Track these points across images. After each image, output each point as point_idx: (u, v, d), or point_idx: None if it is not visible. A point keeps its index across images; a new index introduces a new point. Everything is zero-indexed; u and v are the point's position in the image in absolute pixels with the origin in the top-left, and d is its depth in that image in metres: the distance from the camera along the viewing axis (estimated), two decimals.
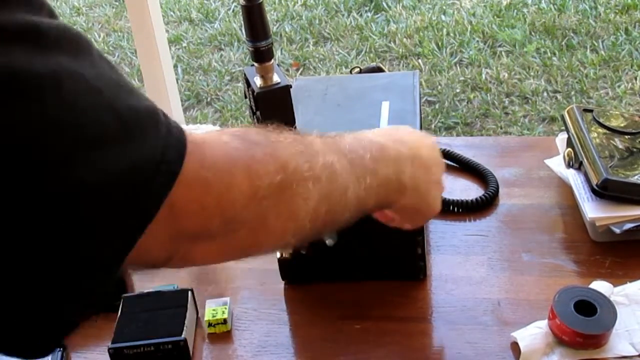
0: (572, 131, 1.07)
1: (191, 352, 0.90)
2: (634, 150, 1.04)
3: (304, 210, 0.60)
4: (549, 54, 3.00)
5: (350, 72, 1.21)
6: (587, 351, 0.84)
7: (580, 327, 0.83)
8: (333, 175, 0.63)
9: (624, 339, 0.85)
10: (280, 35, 3.34)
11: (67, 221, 0.44)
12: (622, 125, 1.09)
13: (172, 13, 3.62)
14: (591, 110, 1.11)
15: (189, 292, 0.94)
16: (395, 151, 0.72)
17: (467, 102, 2.81)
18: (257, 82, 0.86)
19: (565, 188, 1.08)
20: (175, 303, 0.93)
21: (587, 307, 0.85)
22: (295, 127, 0.89)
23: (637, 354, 0.83)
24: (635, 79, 2.81)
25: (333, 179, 0.63)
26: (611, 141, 1.05)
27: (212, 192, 0.52)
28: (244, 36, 0.83)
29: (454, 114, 2.75)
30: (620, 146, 1.05)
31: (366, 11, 3.45)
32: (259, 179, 0.56)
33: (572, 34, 3.12)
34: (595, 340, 0.83)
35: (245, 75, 0.88)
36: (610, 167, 0.99)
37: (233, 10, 3.59)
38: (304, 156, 0.61)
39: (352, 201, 0.65)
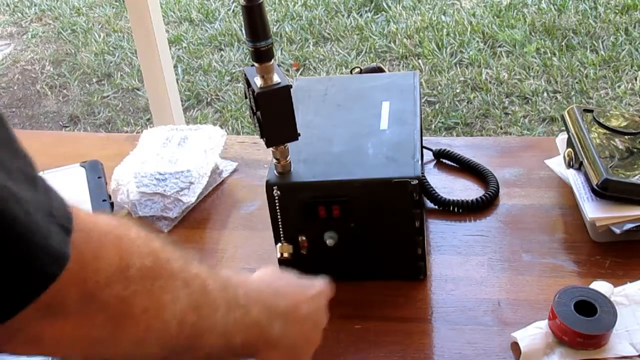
0: (572, 131, 1.07)
1: None
2: (634, 150, 1.04)
3: (171, 311, 0.55)
4: (549, 54, 3.00)
5: (351, 72, 1.21)
6: (587, 351, 0.84)
7: (581, 328, 0.83)
8: (204, 288, 0.59)
9: (624, 339, 0.85)
10: (281, 35, 3.34)
11: None
12: (622, 125, 1.09)
13: (172, 13, 3.62)
14: (591, 111, 1.11)
15: None
16: (270, 302, 0.68)
17: (467, 103, 2.81)
18: (258, 82, 0.86)
19: (566, 188, 1.08)
20: None
21: (588, 307, 0.85)
22: (295, 127, 0.89)
23: (637, 354, 0.83)
24: (635, 79, 2.81)
25: (204, 293, 0.59)
26: (611, 141, 1.05)
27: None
28: (244, 36, 0.83)
29: (454, 114, 2.75)
30: (621, 146, 1.05)
31: (366, 11, 3.45)
32: (130, 257, 0.52)
33: (572, 34, 3.12)
34: (595, 341, 0.83)
35: (245, 75, 0.88)
36: (610, 167, 0.99)
37: (233, 11, 3.59)
38: (178, 254, 0.57)
39: (220, 327, 0.60)
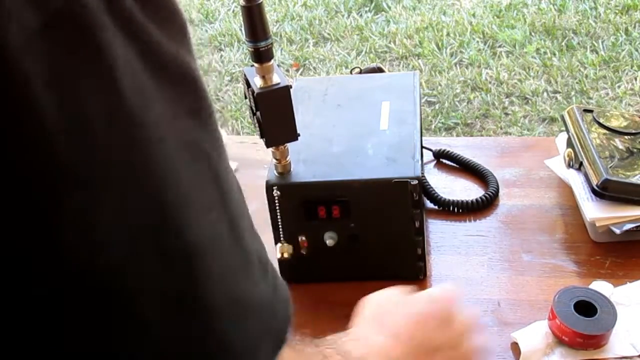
0: (572, 131, 1.07)
1: None
2: (634, 150, 1.04)
3: None
4: (549, 55, 3.00)
5: (351, 72, 1.21)
6: (587, 351, 0.84)
7: (581, 328, 0.83)
8: None
9: (624, 339, 0.85)
10: (281, 35, 3.34)
11: None
12: (622, 125, 1.09)
13: None
14: (591, 111, 1.11)
15: None
16: None
17: (467, 103, 2.81)
18: (257, 82, 0.86)
19: (566, 188, 1.08)
20: None
21: (587, 307, 0.85)
22: (295, 128, 0.89)
23: (637, 354, 0.83)
24: (635, 79, 2.81)
25: None
26: (611, 141, 1.05)
27: None
28: (244, 36, 0.83)
29: (454, 114, 2.75)
30: (621, 146, 1.05)
31: (366, 12, 3.45)
32: None
33: (572, 35, 3.12)
34: (595, 341, 0.83)
35: (245, 75, 0.88)
36: (610, 167, 0.99)
37: (233, 11, 3.59)
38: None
39: None
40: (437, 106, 2.80)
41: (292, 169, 0.93)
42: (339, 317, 0.94)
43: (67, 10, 0.31)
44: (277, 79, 0.86)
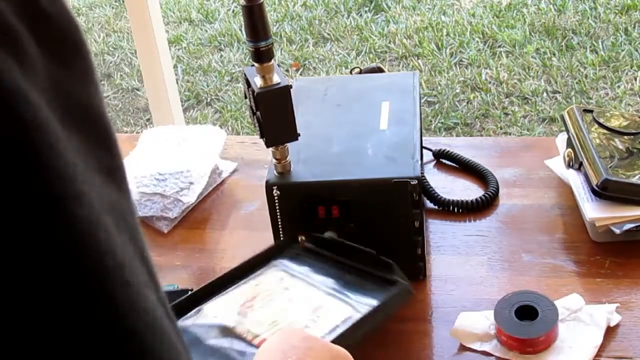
0: (572, 131, 1.07)
1: None
2: (634, 150, 1.04)
3: None
4: (549, 55, 3.00)
5: (350, 72, 1.21)
6: (521, 355, 0.82)
7: (521, 332, 0.82)
8: None
9: (562, 353, 0.82)
10: (280, 35, 3.34)
11: None
12: (622, 125, 1.09)
13: (172, 13, 3.62)
14: (591, 111, 1.11)
15: (189, 292, 0.94)
16: None
17: (467, 103, 2.81)
18: (257, 82, 0.86)
19: (565, 188, 1.08)
20: None
21: (529, 311, 0.85)
22: (295, 128, 0.89)
23: None
24: (635, 79, 2.81)
25: None
26: (611, 142, 1.05)
27: None
28: (244, 36, 0.84)
29: (453, 114, 2.75)
30: (620, 146, 1.05)
31: (366, 11, 3.45)
32: None
33: (572, 35, 3.12)
34: (532, 344, 0.82)
35: (245, 75, 0.89)
36: (610, 167, 0.99)
37: (233, 11, 3.59)
38: None
39: None
40: (437, 106, 2.80)
41: (291, 169, 0.93)
42: None
43: None
44: (277, 78, 0.86)
